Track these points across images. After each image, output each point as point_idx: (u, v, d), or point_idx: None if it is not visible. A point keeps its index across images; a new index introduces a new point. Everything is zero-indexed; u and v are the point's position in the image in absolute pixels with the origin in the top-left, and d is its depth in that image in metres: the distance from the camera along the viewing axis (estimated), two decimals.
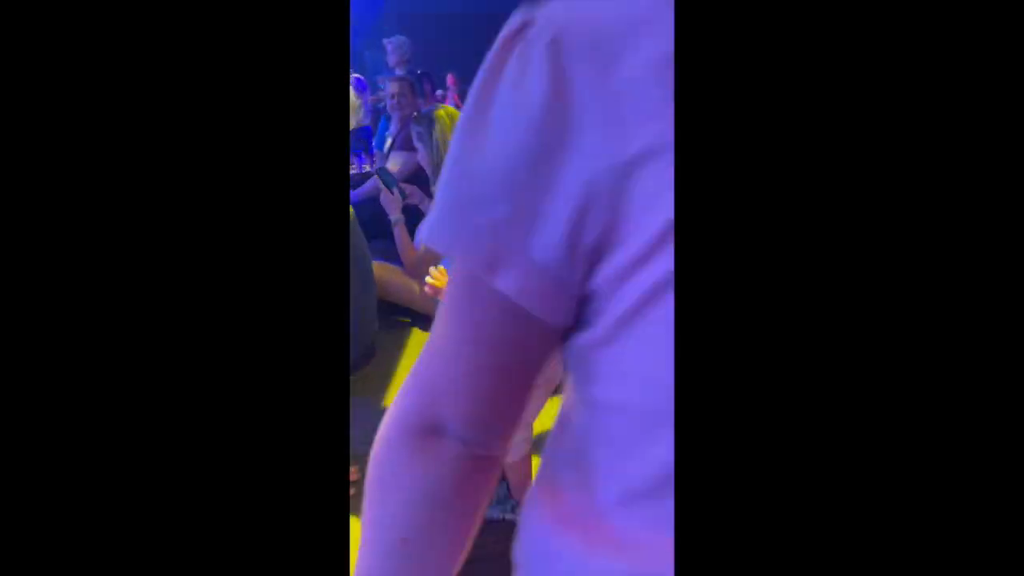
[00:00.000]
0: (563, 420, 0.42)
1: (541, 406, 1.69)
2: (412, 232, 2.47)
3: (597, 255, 0.35)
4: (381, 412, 0.43)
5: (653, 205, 0.34)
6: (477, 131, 0.36)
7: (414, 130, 2.55)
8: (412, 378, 0.42)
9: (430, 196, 2.75)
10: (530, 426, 1.78)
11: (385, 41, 4.71)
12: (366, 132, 4.96)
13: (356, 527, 0.45)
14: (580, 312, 0.37)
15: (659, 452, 0.35)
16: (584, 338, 0.37)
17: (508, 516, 1.76)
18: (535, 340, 0.38)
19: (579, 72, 0.34)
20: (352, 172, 3.78)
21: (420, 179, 2.90)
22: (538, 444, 1.82)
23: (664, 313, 0.34)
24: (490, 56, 0.37)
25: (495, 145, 0.36)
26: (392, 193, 2.53)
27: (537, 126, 0.34)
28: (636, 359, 0.35)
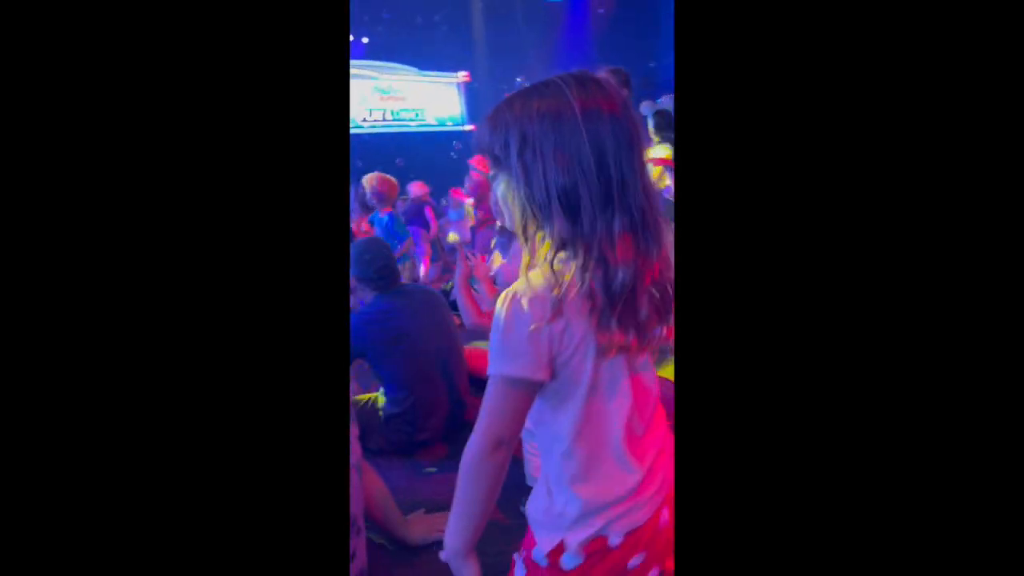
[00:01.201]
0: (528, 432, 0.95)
1: None
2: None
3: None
4: None
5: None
6: None
7: (498, 240, 2.61)
8: (481, 422, 0.88)
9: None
10: None
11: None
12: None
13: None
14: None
15: (558, 429, 0.88)
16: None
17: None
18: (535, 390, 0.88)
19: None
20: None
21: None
22: None
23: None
24: None
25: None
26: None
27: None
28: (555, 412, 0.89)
